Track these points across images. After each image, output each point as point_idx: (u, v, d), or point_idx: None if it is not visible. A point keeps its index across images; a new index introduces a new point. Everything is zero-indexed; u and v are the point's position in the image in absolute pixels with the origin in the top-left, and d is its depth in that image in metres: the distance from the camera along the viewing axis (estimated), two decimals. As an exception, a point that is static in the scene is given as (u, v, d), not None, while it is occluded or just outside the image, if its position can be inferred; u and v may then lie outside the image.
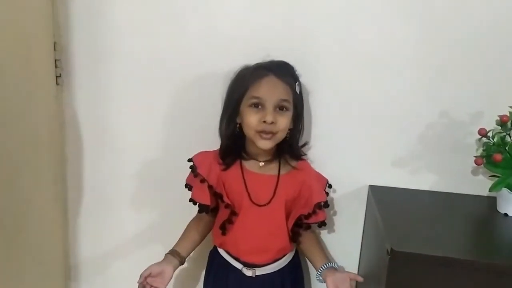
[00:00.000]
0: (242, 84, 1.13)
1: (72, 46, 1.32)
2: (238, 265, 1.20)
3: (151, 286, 1.11)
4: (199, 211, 1.19)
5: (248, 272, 1.19)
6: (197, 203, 1.18)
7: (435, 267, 0.93)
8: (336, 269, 1.16)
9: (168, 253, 1.18)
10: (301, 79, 1.20)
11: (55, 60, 1.31)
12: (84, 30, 1.31)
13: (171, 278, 1.13)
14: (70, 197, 1.45)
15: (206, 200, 1.15)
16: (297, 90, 1.14)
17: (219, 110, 1.20)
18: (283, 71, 1.13)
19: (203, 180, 1.15)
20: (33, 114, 1.24)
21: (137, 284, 1.12)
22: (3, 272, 1.17)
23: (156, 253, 1.43)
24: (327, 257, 1.23)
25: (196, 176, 1.16)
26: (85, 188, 1.45)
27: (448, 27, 1.17)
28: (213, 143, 1.22)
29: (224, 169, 1.17)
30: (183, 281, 1.46)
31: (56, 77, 1.32)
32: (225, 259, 1.22)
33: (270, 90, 1.09)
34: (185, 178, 1.21)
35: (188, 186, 1.20)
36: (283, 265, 1.22)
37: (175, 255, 1.17)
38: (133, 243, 1.48)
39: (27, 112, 1.22)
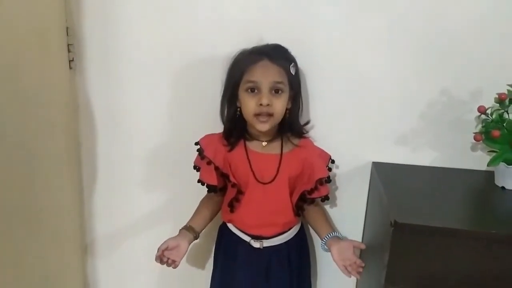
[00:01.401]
0: (238, 69, 1.17)
1: (84, 31, 1.34)
2: (246, 238, 1.26)
3: (168, 258, 1.17)
4: (208, 191, 1.25)
5: (256, 244, 1.25)
6: (205, 184, 1.23)
7: (437, 238, 0.98)
8: (340, 238, 1.23)
9: (182, 228, 1.24)
10: (302, 58, 1.23)
11: (68, 45, 1.34)
12: (95, 15, 1.33)
13: (187, 251, 1.19)
14: (84, 179, 1.50)
15: (213, 180, 1.21)
16: (292, 72, 1.17)
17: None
18: (277, 55, 1.16)
19: (209, 162, 1.20)
20: (47, 99, 1.28)
21: (150, 258, 1.18)
22: (24, 250, 1.23)
23: (167, 230, 1.49)
24: (332, 227, 1.29)
25: (203, 158, 1.21)
26: (99, 169, 1.49)
27: (449, 7, 1.20)
28: (220, 125, 1.27)
29: (229, 150, 1.22)
30: (195, 255, 1.52)
31: (69, 61, 1.35)
32: (233, 233, 1.28)
33: (264, 74, 1.13)
34: (193, 159, 1.26)
35: (196, 168, 1.25)
36: (290, 237, 1.28)
37: (190, 230, 1.23)
38: (145, 221, 1.53)
39: (42, 96, 1.25)
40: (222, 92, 1.23)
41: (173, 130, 1.42)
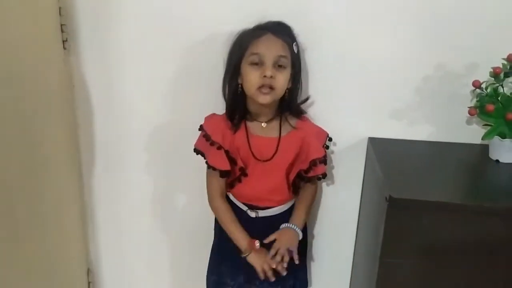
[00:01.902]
0: (242, 44, 1.17)
1: (76, 11, 1.33)
2: (243, 207, 1.29)
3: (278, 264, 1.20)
4: (220, 176, 1.24)
5: (252, 214, 1.29)
6: (215, 168, 1.23)
7: (431, 212, 1.01)
8: (293, 231, 1.25)
9: (248, 249, 1.24)
10: (299, 37, 1.23)
11: (61, 25, 1.33)
12: (87, -6, 1.32)
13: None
14: (83, 159, 1.51)
15: (226, 166, 1.22)
16: (295, 50, 1.19)
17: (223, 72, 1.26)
18: (280, 30, 1.18)
19: (220, 147, 1.21)
20: (43, 80, 1.27)
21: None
22: (25, 231, 1.24)
23: (166, 208, 1.54)
24: (299, 219, 1.28)
25: (212, 144, 1.21)
26: (97, 148, 1.49)
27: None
28: (218, 105, 1.28)
29: (234, 131, 1.23)
30: (196, 221, 1.53)
31: (63, 41, 1.34)
32: (232, 202, 1.32)
33: (268, 47, 1.14)
34: (192, 137, 1.26)
35: (197, 151, 1.26)
36: (284, 209, 1.31)
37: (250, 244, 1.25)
38: (144, 199, 1.55)
39: (38, 78, 1.25)
40: (224, 69, 1.24)
41: (171, 109, 1.42)
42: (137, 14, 1.32)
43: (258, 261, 1.22)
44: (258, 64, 1.14)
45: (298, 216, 1.29)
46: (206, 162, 1.24)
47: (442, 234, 1.02)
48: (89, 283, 1.64)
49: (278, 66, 1.15)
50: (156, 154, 1.49)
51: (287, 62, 1.16)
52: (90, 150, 1.50)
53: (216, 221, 1.38)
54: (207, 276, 1.41)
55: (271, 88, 1.15)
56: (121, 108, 1.44)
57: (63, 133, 1.41)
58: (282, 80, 1.16)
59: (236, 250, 1.28)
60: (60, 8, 1.31)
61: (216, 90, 1.26)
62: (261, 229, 1.28)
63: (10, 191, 1.16)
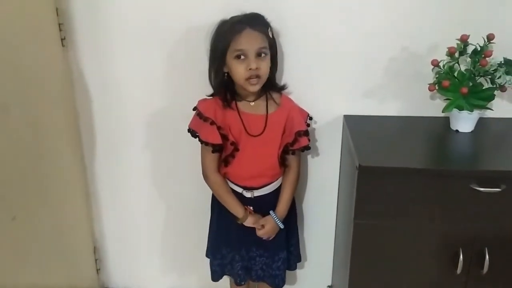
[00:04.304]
0: (223, 39, 1.29)
1: (72, 10, 1.44)
2: (239, 189, 1.42)
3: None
4: (213, 151, 1.35)
5: (248, 194, 1.42)
6: (210, 144, 1.33)
7: (396, 177, 1.15)
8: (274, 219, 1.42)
9: (245, 215, 1.41)
10: (276, 23, 1.36)
11: (59, 24, 1.43)
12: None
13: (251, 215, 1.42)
14: (85, 146, 1.63)
15: (218, 139, 1.32)
16: (270, 35, 1.32)
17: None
18: (256, 22, 1.30)
19: (212, 122, 1.32)
20: (44, 76, 1.40)
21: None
22: (35, 215, 1.37)
23: (164, 187, 1.67)
24: (283, 209, 1.44)
25: (205, 120, 1.32)
26: (97, 134, 1.62)
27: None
28: (209, 88, 1.39)
29: (225, 107, 1.34)
30: (194, 198, 1.66)
31: (61, 39, 1.46)
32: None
33: (249, 42, 1.27)
34: (186, 121, 1.37)
35: (191, 131, 1.36)
36: (277, 187, 1.45)
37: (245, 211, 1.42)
38: (144, 179, 1.67)
39: (40, 75, 1.37)
40: (209, 61, 1.35)
41: (164, 94, 1.54)
42: (129, 10, 1.43)
43: (255, 223, 1.40)
44: (243, 57, 1.27)
45: (282, 207, 1.43)
46: (199, 139, 1.34)
47: (407, 196, 1.16)
48: (96, 260, 1.78)
49: (259, 55, 1.28)
50: (152, 138, 1.61)
51: (266, 50, 1.29)
52: (91, 136, 1.62)
53: (213, 198, 1.50)
54: (210, 261, 1.53)
55: (258, 76, 1.28)
56: (117, 96, 1.55)
57: (65, 122, 1.53)
58: (265, 67, 1.30)
59: (233, 221, 1.41)
60: (57, 8, 1.42)
61: (205, 75, 1.37)
62: (257, 208, 1.43)
63: (21, 178, 1.29)
